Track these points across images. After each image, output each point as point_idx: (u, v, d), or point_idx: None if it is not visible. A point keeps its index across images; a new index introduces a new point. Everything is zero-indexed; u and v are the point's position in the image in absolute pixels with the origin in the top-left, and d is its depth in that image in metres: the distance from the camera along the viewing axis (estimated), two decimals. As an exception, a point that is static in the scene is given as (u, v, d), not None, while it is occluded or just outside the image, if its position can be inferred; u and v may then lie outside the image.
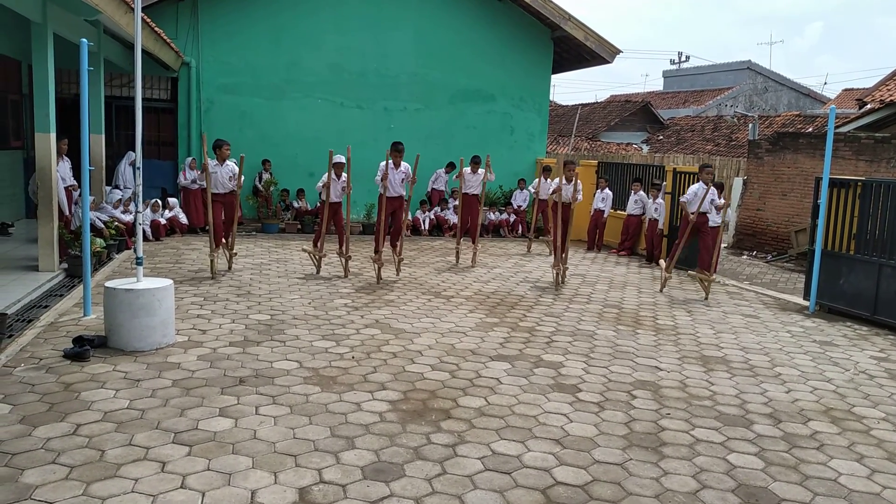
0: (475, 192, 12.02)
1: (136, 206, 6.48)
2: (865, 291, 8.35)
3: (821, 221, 8.83)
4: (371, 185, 10.71)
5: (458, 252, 11.59)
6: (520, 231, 15.61)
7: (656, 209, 12.69)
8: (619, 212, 14.14)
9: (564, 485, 3.90)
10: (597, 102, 38.16)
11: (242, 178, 9.80)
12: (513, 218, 15.60)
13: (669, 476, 4.06)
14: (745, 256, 14.25)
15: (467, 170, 11.82)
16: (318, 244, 10.00)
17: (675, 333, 7.48)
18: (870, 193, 8.45)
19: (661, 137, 30.40)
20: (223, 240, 9.95)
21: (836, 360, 6.71)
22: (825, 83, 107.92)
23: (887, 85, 14.82)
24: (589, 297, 9.18)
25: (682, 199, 10.03)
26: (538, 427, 4.70)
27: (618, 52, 16.01)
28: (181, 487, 3.64)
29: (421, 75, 15.55)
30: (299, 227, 14.21)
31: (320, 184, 9.86)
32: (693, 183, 10.83)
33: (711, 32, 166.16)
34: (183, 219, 13.04)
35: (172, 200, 13.10)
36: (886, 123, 14.83)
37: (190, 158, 13.67)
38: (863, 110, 15.04)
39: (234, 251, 9.92)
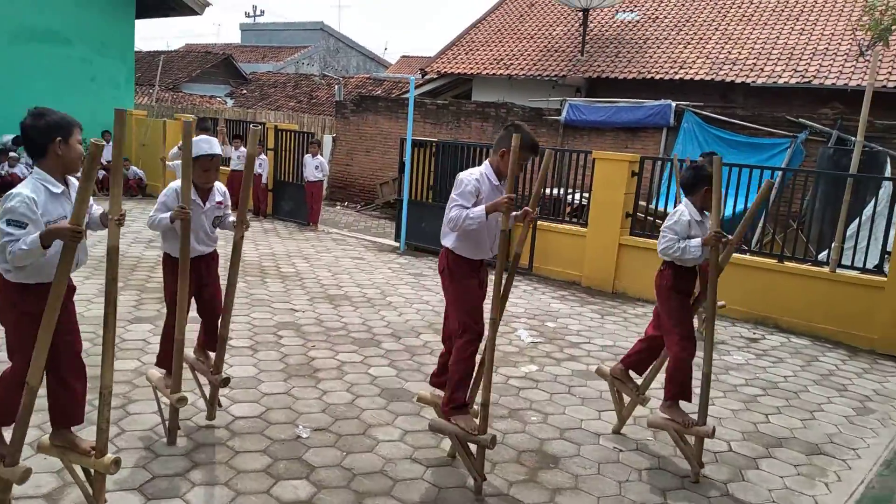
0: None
1: None
2: (440, 232, 10.28)
3: (406, 176, 10.52)
4: None
5: None
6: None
7: (260, 164, 13.22)
8: (223, 168, 14.26)
9: (244, 418, 4.35)
10: (175, 51, 36.36)
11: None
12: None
13: (329, 394, 4.82)
14: (338, 207, 15.82)
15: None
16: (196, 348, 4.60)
17: (300, 279, 8.27)
18: (440, 152, 10.38)
19: (245, 92, 30.70)
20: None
21: (428, 287, 8.32)
22: (385, 49, 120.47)
23: (442, 58, 17.76)
24: (210, 253, 9.36)
25: None
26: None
27: (208, 4, 15.80)
28: None
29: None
30: None
31: (163, 215, 4.28)
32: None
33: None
34: None
35: None
36: (443, 91, 17.84)
37: None
38: (425, 78, 17.79)
39: None
